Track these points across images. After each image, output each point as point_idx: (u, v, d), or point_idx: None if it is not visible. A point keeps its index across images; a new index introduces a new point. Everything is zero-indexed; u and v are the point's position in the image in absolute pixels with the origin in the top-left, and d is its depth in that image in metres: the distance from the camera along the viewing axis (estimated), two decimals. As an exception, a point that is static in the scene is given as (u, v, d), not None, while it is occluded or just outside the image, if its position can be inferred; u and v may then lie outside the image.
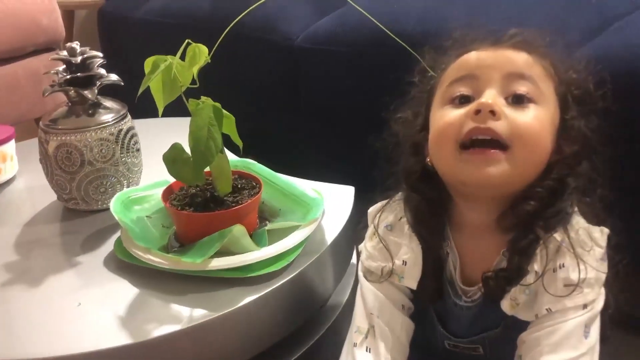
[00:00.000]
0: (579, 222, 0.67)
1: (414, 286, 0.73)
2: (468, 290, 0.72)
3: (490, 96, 0.64)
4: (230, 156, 0.93)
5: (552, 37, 0.71)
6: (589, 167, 0.68)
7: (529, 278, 0.66)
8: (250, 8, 0.81)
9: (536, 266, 0.66)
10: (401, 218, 0.75)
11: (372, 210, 0.79)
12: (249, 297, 0.75)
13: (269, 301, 0.77)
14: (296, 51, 1.40)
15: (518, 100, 0.65)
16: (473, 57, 0.69)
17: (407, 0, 1.31)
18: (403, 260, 0.73)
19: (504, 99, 0.65)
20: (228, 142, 0.83)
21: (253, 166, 0.96)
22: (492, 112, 0.63)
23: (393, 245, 0.75)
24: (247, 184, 0.87)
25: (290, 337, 0.82)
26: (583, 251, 0.65)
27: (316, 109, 1.43)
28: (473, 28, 0.73)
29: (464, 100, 0.67)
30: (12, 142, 1.14)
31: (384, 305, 0.74)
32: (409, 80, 0.77)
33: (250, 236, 0.81)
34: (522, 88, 0.65)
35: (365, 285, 0.76)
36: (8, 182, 1.12)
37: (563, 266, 0.65)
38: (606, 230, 0.67)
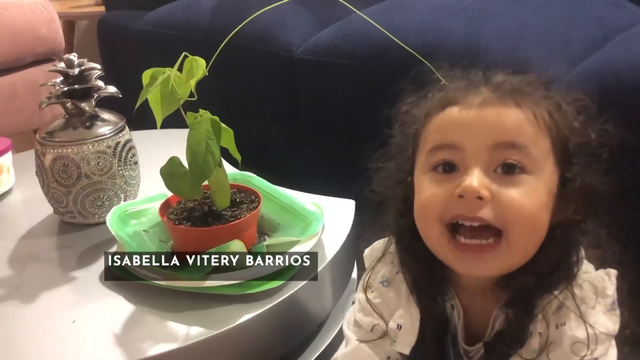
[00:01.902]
0: (588, 271, 0.62)
1: (406, 352, 0.67)
2: (469, 350, 0.66)
3: (476, 177, 0.58)
4: (230, 169, 0.92)
5: (547, 78, 0.64)
6: (597, 223, 0.63)
7: (533, 341, 0.61)
8: (247, 20, 0.80)
9: (539, 327, 0.61)
10: (398, 272, 0.69)
11: (367, 254, 0.73)
12: (247, 315, 0.74)
13: (267, 319, 0.75)
14: (296, 63, 1.39)
15: (509, 170, 0.59)
16: (455, 122, 0.61)
17: (406, 13, 1.31)
18: (398, 325, 0.67)
19: (492, 171, 0.59)
20: (228, 155, 0.82)
21: (252, 179, 0.95)
22: (479, 197, 0.57)
23: (389, 302, 0.69)
24: (246, 198, 0.86)
25: (288, 355, 0.81)
26: (587, 309, 0.61)
27: (316, 122, 1.42)
28: (455, 69, 0.67)
29: (448, 168, 0.61)
30: (9, 154, 1.13)
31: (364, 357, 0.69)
32: (387, 131, 0.70)
33: (249, 251, 0.80)
34: (512, 157, 0.58)
35: (349, 340, 0.70)
36: (4, 194, 1.11)
37: (564, 324, 0.61)
38: (613, 272, 0.62)
